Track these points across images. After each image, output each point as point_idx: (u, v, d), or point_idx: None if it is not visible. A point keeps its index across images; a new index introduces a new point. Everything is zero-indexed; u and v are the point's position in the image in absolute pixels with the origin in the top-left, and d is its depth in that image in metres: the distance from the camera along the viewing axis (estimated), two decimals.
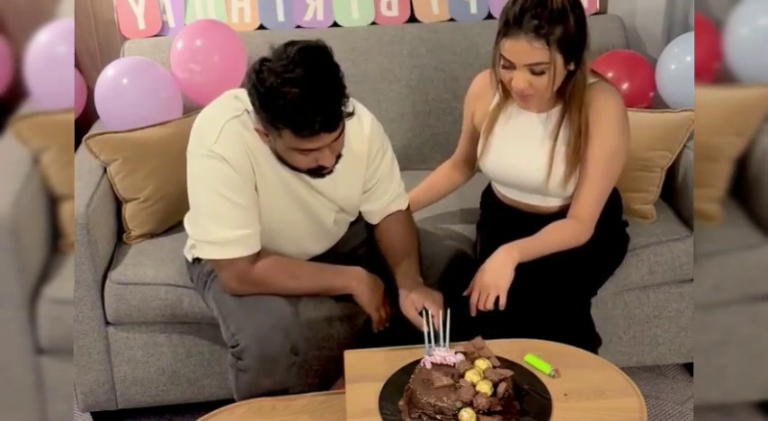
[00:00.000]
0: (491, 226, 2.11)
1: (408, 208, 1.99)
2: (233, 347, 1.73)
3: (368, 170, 1.87)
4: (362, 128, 1.82)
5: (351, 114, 1.62)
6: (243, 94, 1.71)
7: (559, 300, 1.84)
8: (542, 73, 1.74)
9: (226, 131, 1.69)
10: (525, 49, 1.71)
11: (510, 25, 1.71)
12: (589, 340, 1.88)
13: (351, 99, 1.62)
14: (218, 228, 1.71)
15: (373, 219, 1.96)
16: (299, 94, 1.53)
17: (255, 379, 1.73)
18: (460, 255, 1.97)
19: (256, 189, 1.74)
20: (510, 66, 1.76)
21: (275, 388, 1.75)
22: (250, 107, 1.66)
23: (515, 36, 1.71)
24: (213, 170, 1.69)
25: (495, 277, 1.76)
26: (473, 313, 1.78)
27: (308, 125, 1.55)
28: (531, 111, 1.89)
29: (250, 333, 1.70)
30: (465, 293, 1.80)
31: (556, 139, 1.86)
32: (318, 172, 1.69)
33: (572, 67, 1.77)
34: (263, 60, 1.57)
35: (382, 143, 1.88)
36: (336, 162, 1.68)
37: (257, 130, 1.66)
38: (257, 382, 1.74)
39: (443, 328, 1.64)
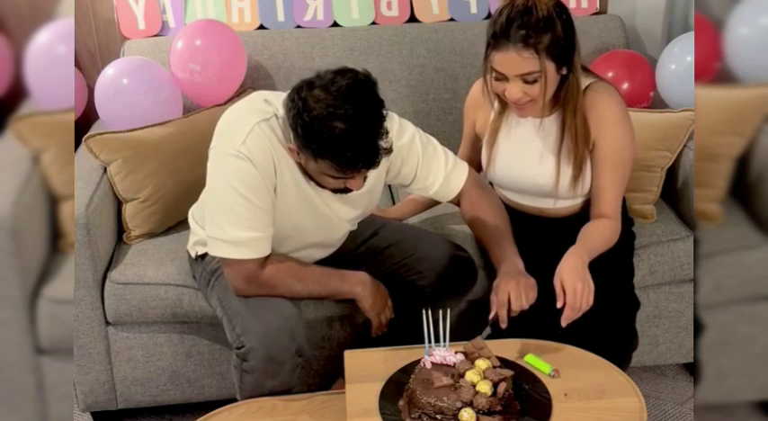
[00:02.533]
0: None
1: (474, 177, 1.94)
2: (238, 348, 1.73)
3: (393, 170, 1.87)
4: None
5: (389, 151, 1.63)
6: (273, 97, 1.73)
7: (608, 304, 1.83)
8: (535, 81, 1.74)
9: (254, 133, 1.69)
10: (515, 60, 1.71)
11: (498, 37, 1.71)
12: (629, 342, 1.92)
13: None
14: (232, 227, 1.71)
15: (445, 198, 1.95)
16: (344, 131, 1.54)
17: (260, 380, 1.74)
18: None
19: (275, 192, 1.74)
20: (502, 77, 1.76)
21: (279, 389, 1.76)
22: (280, 111, 1.69)
23: (504, 48, 1.71)
24: (237, 169, 1.69)
25: (581, 276, 1.69)
26: (564, 324, 1.69)
27: (350, 164, 1.59)
28: (530, 117, 1.89)
29: (256, 335, 1.70)
30: (559, 305, 1.68)
31: (560, 144, 1.87)
32: (344, 191, 1.72)
33: (564, 71, 1.77)
34: (309, 85, 1.58)
35: (401, 138, 1.83)
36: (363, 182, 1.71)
37: (290, 149, 1.68)
38: (262, 383, 1.74)
39: (443, 328, 1.65)
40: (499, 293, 1.71)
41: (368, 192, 1.85)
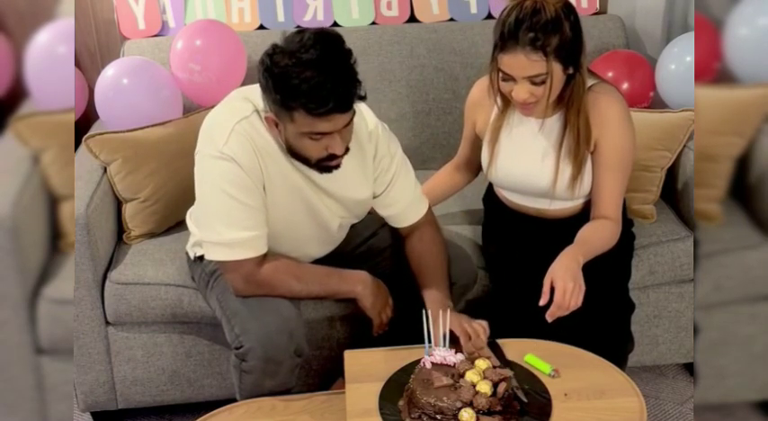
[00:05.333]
0: (497, 229, 2.10)
1: (432, 217, 1.96)
2: (237, 348, 1.73)
3: (376, 172, 1.86)
4: (368, 128, 1.82)
5: (363, 98, 1.63)
6: (251, 94, 1.72)
7: (603, 306, 1.83)
8: (542, 82, 1.74)
9: (236, 133, 1.69)
10: (523, 62, 1.71)
11: (506, 39, 1.71)
12: (624, 344, 1.92)
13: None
14: (226, 230, 1.71)
15: (398, 223, 1.94)
16: (313, 74, 1.54)
17: (259, 380, 1.74)
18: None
19: (264, 189, 1.74)
20: (509, 78, 1.76)
21: (278, 389, 1.76)
22: (260, 106, 1.68)
23: (512, 50, 1.71)
24: (223, 171, 1.69)
25: (573, 276, 1.68)
26: (550, 319, 1.68)
27: (322, 103, 1.56)
28: (532, 117, 1.89)
29: (255, 335, 1.70)
30: (542, 303, 1.67)
31: (561, 144, 1.87)
32: (328, 162, 1.69)
33: (570, 71, 1.77)
34: (275, 46, 1.59)
35: (389, 146, 1.86)
36: (345, 152, 1.68)
37: (267, 119, 1.66)
38: (261, 383, 1.74)
39: (443, 328, 1.64)
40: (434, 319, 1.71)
41: (353, 182, 1.83)
